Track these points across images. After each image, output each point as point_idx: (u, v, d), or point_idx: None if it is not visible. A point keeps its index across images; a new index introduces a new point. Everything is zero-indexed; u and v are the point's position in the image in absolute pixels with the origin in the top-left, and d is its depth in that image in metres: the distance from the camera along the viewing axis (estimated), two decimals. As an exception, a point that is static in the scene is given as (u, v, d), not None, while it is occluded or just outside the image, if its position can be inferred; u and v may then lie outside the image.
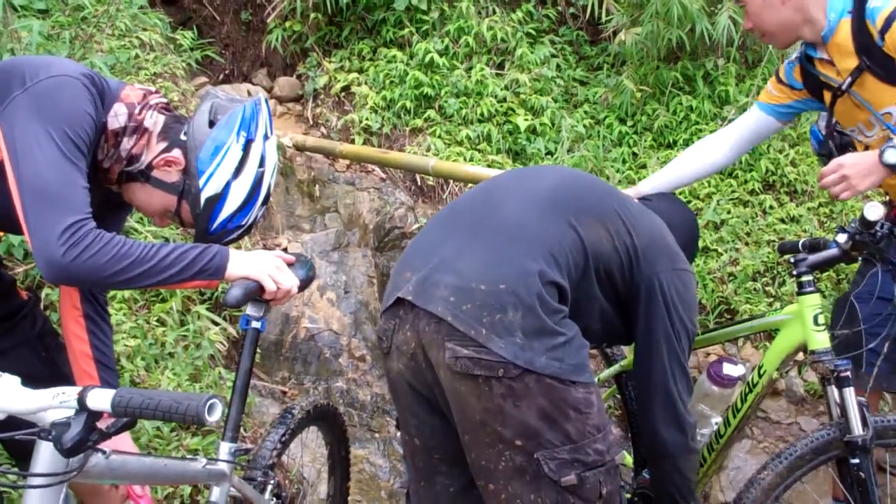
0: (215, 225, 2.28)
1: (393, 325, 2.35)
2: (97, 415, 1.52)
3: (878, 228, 2.51)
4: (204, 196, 2.23)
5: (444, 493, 2.49)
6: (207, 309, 4.24)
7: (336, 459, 3.12)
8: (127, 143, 2.18)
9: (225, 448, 2.30)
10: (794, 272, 2.71)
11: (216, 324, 4.20)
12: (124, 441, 2.32)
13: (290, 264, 2.37)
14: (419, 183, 5.85)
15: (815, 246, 2.72)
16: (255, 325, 2.40)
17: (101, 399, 1.50)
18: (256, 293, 2.24)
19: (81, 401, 1.52)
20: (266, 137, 2.32)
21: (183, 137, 2.23)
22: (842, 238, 2.58)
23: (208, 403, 1.49)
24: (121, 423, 1.57)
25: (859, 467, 2.52)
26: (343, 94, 6.34)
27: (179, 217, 2.30)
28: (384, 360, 2.44)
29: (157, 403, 1.49)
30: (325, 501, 3.26)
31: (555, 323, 2.21)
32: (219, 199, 2.25)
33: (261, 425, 4.05)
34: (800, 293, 2.71)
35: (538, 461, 2.21)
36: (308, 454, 4.10)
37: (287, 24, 6.71)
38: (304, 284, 2.42)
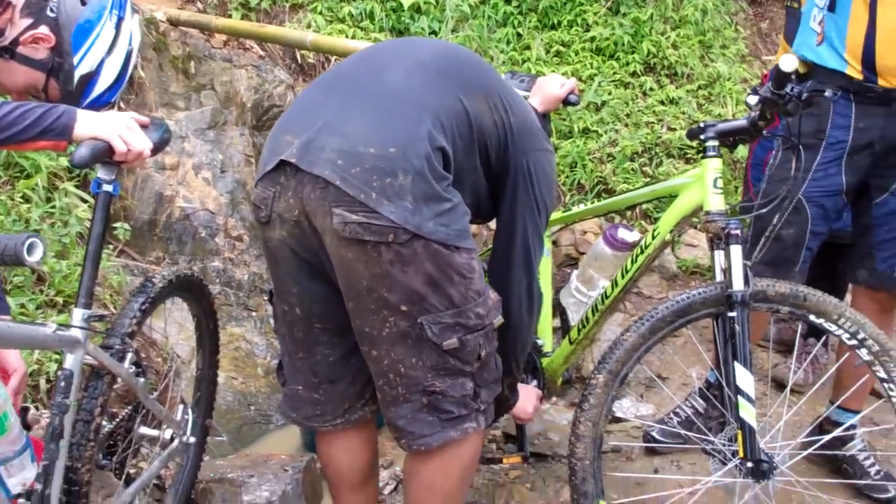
0: (87, 101, 2.28)
1: (273, 192, 2.28)
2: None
3: (788, 90, 2.53)
4: (78, 74, 2.23)
5: (324, 363, 2.50)
6: (76, 186, 4.11)
7: (204, 332, 3.06)
8: None
9: (78, 314, 2.23)
10: (702, 136, 2.77)
11: (85, 201, 4.08)
12: None
13: (143, 126, 2.29)
14: (299, 60, 5.72)
15: (726, 120, 2.80)
16: (107, 188, 2.30)
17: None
18: (106, 154, 2.16)
19: None
20: (132, 14, 2.33)
21: (50, 14, 2.19)
22: (752, 99, 2.62)
23: (27, 242, 1.44)
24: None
25: (735, 321, 2.60)
26: (220, -32, 6.11)
27: (46, 94, 2.26)
28: (263, 229, 2.38)
29: (-26, 247, 1.43)
30: (195, 375, 3.22)
31: (442, 189, 2.21)
32: (92, 77, 2.26)
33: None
34: (704, 157, 2.79)
35: (421, 325, 2.25)
36: (182, 332, 4.06)
37: None
38: (158, 147, 2.34)
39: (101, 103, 2.31)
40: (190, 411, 2.91)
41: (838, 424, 3.19)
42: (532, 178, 2.49)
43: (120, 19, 2.27)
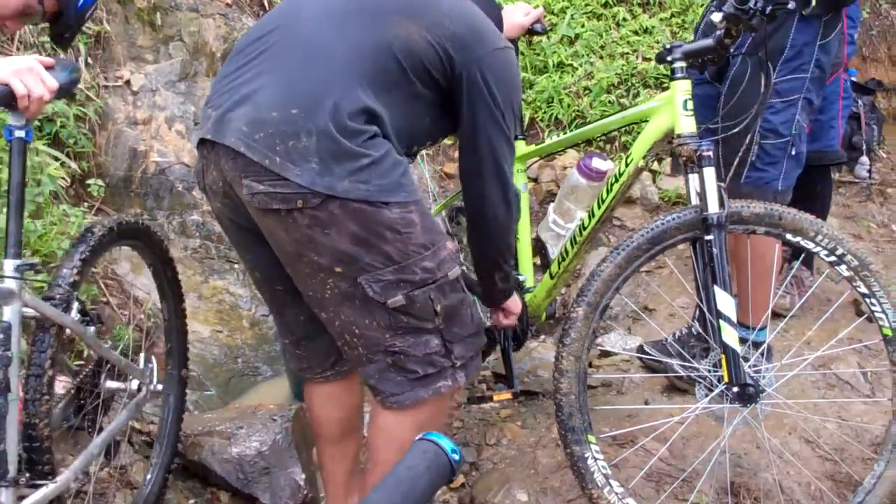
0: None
1: (202, 165, 2.29)
2: None
3: (751, 4, 2.48)
4: None
5: (296, 322, 2.50)
6: (46, 144, 4.06)
7: (163, 280, 3.01)
8: None
9: (9, 265, 2.18)
10: (669, 58, 2.71)
11: (57, 159, 4.02)
12: None
13: (48, 67, 2.22)
14: (267, 7, 5.62)
15: (693, 42, 2.74)
16: (19, 133, 2.24)
17: None
18: (10, 98, 2.12)
19: None
20: None
21: None
22: (716, 16, 2.56)
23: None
24: None
25: (713, 244, 2.58)
26: (182, -85, 5.98)
27: (43, 7, 2.25)
28: (206, 199, 2.39)
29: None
30: (163, 325, 3.17)
31: (357, 145, 2.13)
32: None
33: (111, 262, 3.94)
34: (672, 79, 2.73)
35: (362, 285, 2.19)
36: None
37: None
38: (66, 89, 2.30)
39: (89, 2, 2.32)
40: (153, 359, 2.87)
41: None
42: (488, 84, 2.36)
43: None
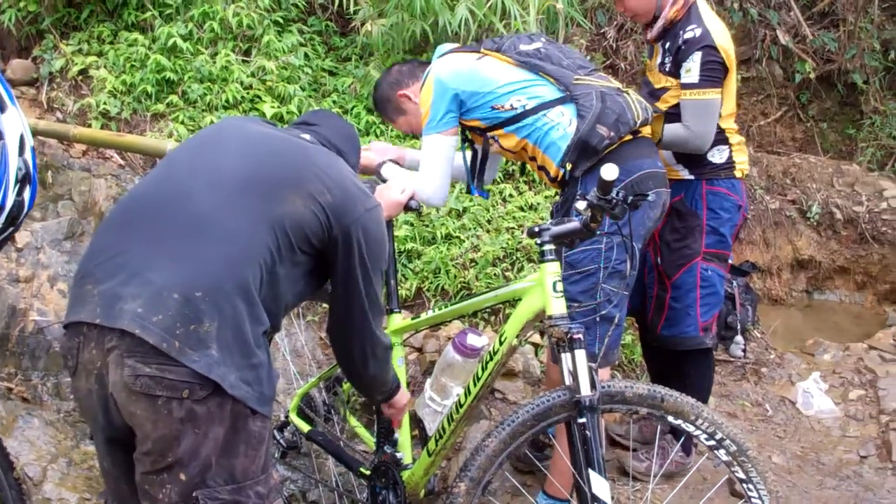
0: None
1: (77, 342, 2.17)
2: None
3: (614, 196, 2.59)
4: None
5: None
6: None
7: None
8: None
9: None
10: (538, 241, 2.81)
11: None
12: None
13: None
14: (161, 170, 5.66)
15: (560, 223, 2.83)
16: None
17: None
18: None
19: None
20: (1, 110, 2.14)
21: None
22: (581, 205, 2.66)
23: None
24: None
25: (585, 426, 2.62)
26: (81, 77, 6.04)
27: None
28: (72, 379, 2.25)
29: None
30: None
31: (253, 338, 2.13)
32: None
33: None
34: (541, 261, 2.82)
35: (197, 500, 2.11)
36: (34, 452, 3.91)
37: (21, 3, 6.29)
38: None
39: None
40: None
41: None
42: (361, 244, 2.45)
43: None
